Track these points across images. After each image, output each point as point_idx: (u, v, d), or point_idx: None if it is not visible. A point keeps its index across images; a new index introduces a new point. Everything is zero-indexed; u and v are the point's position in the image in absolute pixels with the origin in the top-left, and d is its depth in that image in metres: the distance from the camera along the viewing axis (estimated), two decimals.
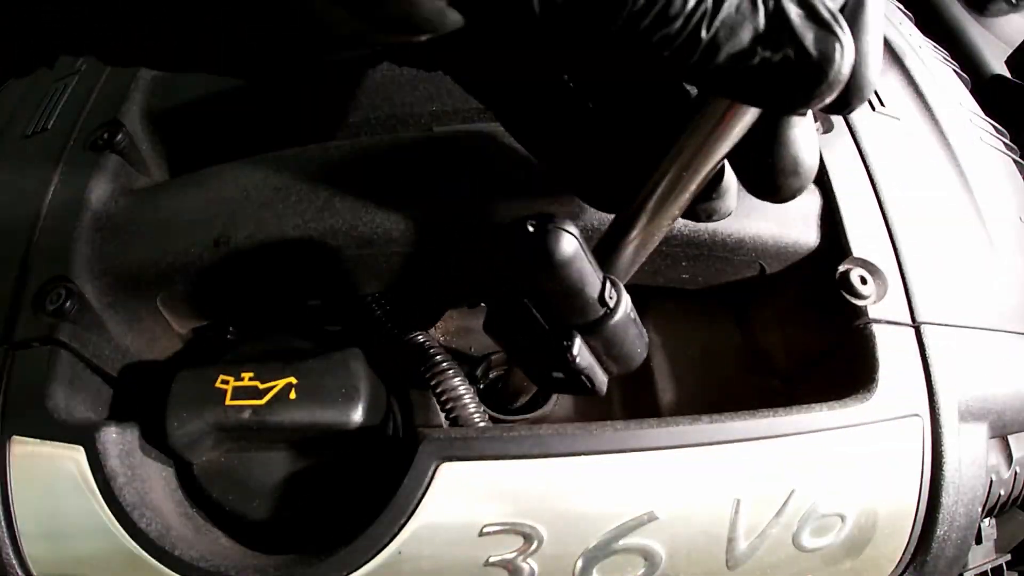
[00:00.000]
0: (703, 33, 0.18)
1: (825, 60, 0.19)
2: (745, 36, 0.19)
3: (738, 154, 0.24)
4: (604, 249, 0.27)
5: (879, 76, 0.22)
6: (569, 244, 0.23)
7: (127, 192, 0.36)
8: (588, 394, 0.27)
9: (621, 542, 0.28)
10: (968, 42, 0.75)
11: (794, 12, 0.19)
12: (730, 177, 0.25)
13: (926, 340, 0.33)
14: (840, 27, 0.19)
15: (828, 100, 0.20)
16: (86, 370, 0.32)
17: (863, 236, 0.35)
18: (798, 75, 0.19)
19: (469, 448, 0.28)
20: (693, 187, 0.25)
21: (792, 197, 0.24)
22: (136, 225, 0.34)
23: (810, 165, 0.23)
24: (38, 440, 0.29)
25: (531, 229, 0.23)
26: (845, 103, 0.21)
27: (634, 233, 0.27)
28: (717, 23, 0.18)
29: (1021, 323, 0.37)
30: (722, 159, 0.24)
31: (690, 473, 0.29)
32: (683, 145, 0.24)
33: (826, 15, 0.19)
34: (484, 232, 0.33)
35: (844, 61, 0.19)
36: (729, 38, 0.19)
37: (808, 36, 0.19)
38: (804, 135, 0.23)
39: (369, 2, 0.18)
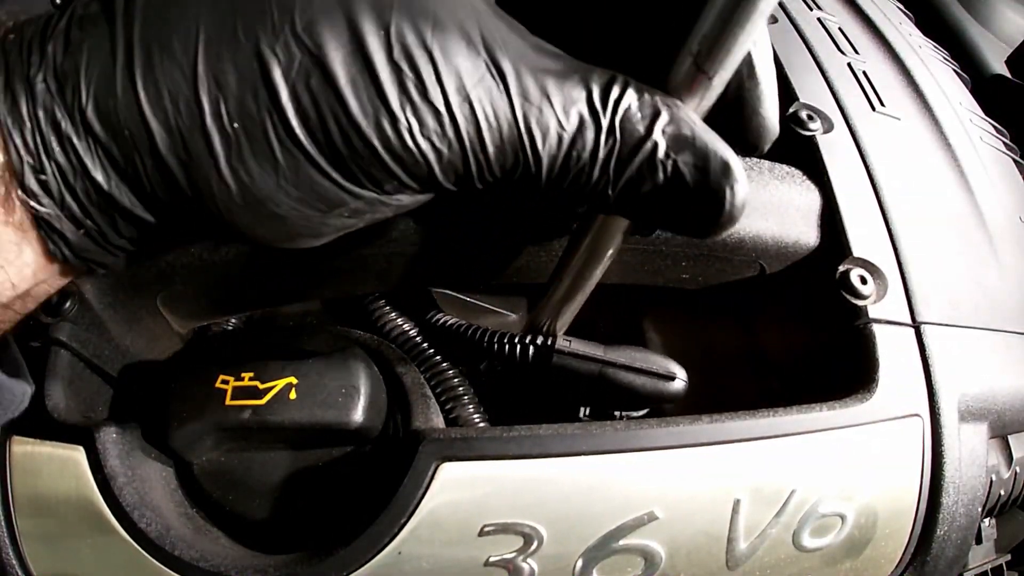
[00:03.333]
0: (610, 192, 0.22)
1: (716, 207, 0.22)
2: (647, 189, 0.22)
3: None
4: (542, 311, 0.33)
5: (777, 119, 0.25)
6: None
7: None
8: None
9: (621, 542, 0.28)
10: (968, 42, 0.75)
11: (687, 169, 0.22)
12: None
13: (926, 340, 0.33)
14: (731, 173, 0.22)
15: (726, 231, 0.23)
16: (86, 370, 0.32)
17: (863, 236, 0.35)
18: (695, 216, 0.23)
19: (469, 448, 0.28)
20: (608, 253, 0.29)
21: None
22: None
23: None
24: (38, 440, 0.29)
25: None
26: (755, 148, 0.25)
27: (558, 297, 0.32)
28: (620, 185, 0.22)
29: (1021, 323, 0.37)
30: (628, 227, 0.28)
31: (690, 473, 0.29)
32: (590, 221, 0.28)
33: (718, 165, 0.22)
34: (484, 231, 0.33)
35: (735, 205, 0.22)
36: (634, 192, 0.22)
37: (701, 187, 0.22)
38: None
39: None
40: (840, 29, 0.50)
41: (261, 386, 0.30)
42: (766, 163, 0.37)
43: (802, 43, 0.46)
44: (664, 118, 0.22)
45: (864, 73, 0.46)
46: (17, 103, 0.19)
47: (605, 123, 0.21)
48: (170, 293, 0.34)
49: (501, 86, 0.20)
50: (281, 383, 0.30)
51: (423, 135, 0.20)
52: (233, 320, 0.40)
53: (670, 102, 0.22)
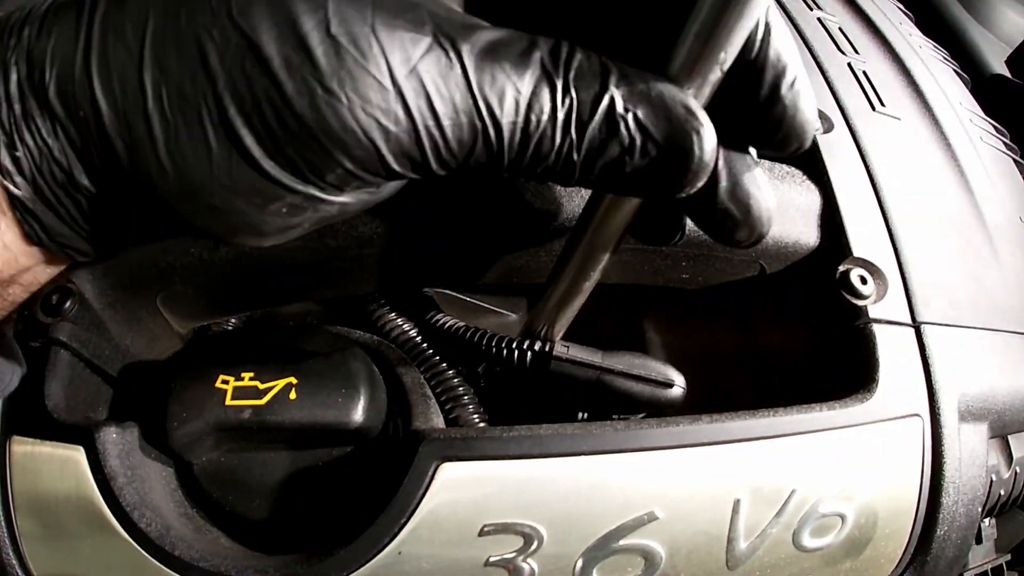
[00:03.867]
0: (575, 157, 0.21)
1: (685, 154, 0.21)
2: (613, 151, 0.21)
3: (693, 208, 0.25)
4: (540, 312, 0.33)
5: (815, 115, 0.23)
6: None
7: None
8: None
9: (621, 542, 0.28)
10: (968, 42, 0.75)
11: (648, 120, 0.21)
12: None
13: (926, 340, 0.33)
14: (694, 119, 0.21)
15: (699, 184, 0.22)
16: (86, 370, 0.32)
17: (863, 236, 0.35)
18: (665, 171, 0.22)
19: (469, 448, 0.28)
20: (603, 258, 0.29)
21: (754, 243, 0.25)
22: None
23: (763, 210, 0.24)
24: (38, 440, 0.29)
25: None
26: (789, 147, 0.23)
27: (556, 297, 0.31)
28: (584, 147, 0.21)
29: (1021, 323, 0.37)
30: (622, 233, 0.28)
31: (690, 473, 0.29)
32: (585, 226, 0.28)
33: (678, 112, 0.21)
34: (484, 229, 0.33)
35: (704, 150, 0.21)
36: (600, 156, 0.21)
37: (664, 137, 0.21)
38: (753, 183, 0.24)
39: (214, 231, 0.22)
40: (840, 29, 0.50)
41: (261, 386, 0.30)
42: (766, 163, 0.37)
43: (802, 43, 0.46)
44: (615, 73, 0.21)
45: (864, 73, 0.46)
46: None
47: (560, 82, 0.20)
48: (170, 293, 0.34)
49: (452, 53, 0.20)
50: (281, 383, 0.30)
51: (366, 112, 0.19)
52: (233, 320, 0.40)
53: (617, 63, 0.21)
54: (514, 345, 0.34)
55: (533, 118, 0.20)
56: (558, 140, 0.21)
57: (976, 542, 0.38)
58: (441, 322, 0.36)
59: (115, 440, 0.29)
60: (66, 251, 0.23)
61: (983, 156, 0.45)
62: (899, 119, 0.44)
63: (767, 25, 0.22)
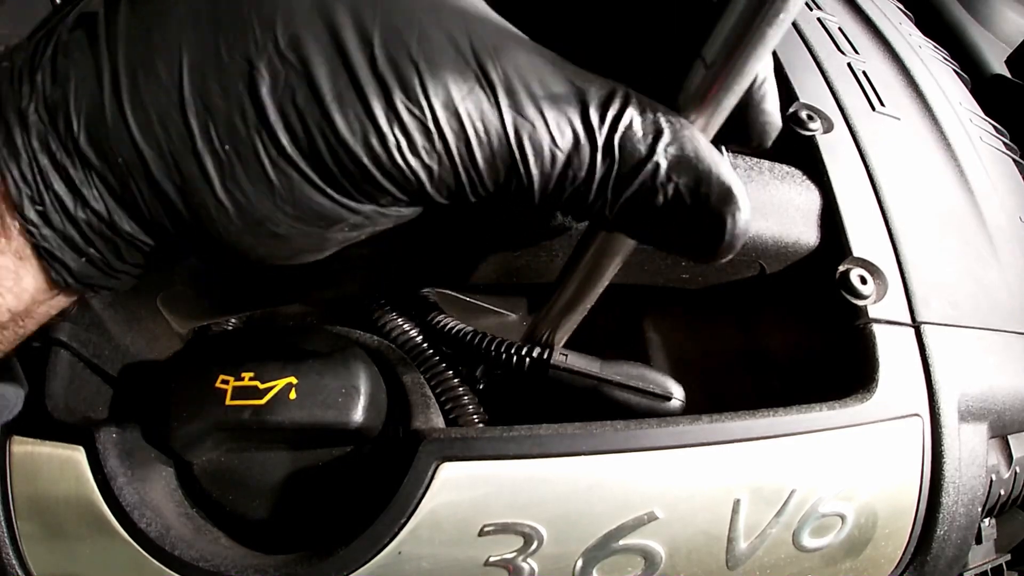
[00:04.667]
0: (607, 213, 0.21)
1: (717, 233, 0.21)
2: (646, 213, 0.21)
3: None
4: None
5: (779, 115, 0.24)
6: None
7: None
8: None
9: (621, 542, 0.28)
10: (968, 42, 0.75)
11: (688, 194, 0.21)
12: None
13: (926, 340, 0.33)
14: (733, 200, 0.21)
15: (724, 259, 0.22)
16: (86, 370, 0.32)
17: (863, 236, 0.35)
18: (695, 241, 0.22)
19: (469, 448, 0.28)
20: (611, 268, 0.29)
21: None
22: None
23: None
24: (38, 440, 0.29)
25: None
26: (751, 144, 0.24)
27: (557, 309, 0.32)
28: (617, 207, 0.21)
29: (1021, 323, 0.37)
30: (632, 244, 0.27)
31: (690, 473, 0.29)
32: (594, 234, 0.28)
33: (722, 190, 0.21)
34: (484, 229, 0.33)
35: (736, 233, 0.21)
36: (632, 215, 0.21)
37: (703, 211, 0.21)
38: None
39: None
40: (840, 29, 0.50)
41: (261, 386, 0.30)
42: (766, 163, 0.37)
43: (802, 43, 0.46)
44: (666, 137, 0.21)
45: (864, 73, 0.46)
46: (11, 135, 0.19)
47: (601, 141, 0.20)
48: (170, 293, 0.34)
49: (491, 99, 0.20)
50: (281, 383, 0.30)
51: (412, 152, 0.20)
52: (233, 320, 0.40)
53: (674, 119, 0.21)
54: (513, 350, 0.34)
55: (570, 173, 0.20)
56: (592, 196, 0.21)
57: (976, 542, 0.38)
58: (442, 323, 0.36)
59: (115, 440, 0.29)
60: (91, 289, 0.22)
61: (983, 156, 0.45)
62: (899, 119, 0.44)
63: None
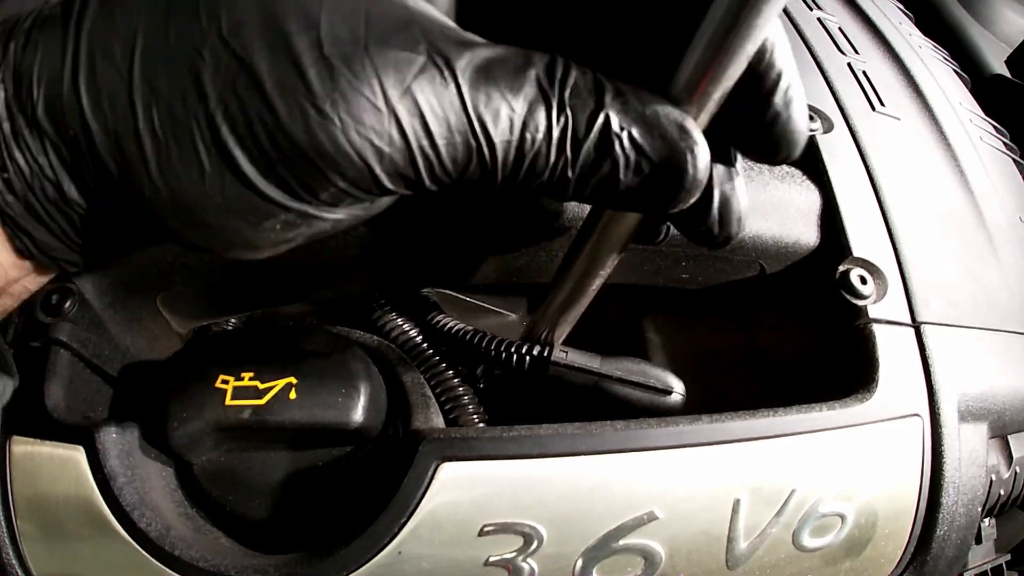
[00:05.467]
0: (569, 174, 0.21)
1: (679, 173, 0.21)
2: (607, 168, 0.21)
3: (679, 216, 0.25)
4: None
5: (806, 122, 0.23)
6: None
7: None
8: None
9: (621, 542, 0.28)
10: (968, 42, 0.75)
11: (643, 139, 0.21)
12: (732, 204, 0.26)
13: (926, 340, 0.33)
14: (688, 137, 0.21)
15: (691, 201, 0.22)
16: (86, 370, 0.32)
17: (863, 236, 0.35)
18: (659, 188, 0.22)
19: (469, 448, 0.28)
20: (607, 264, 0.29)
21: (723, 244, 0.26)
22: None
23: (741, 215, 0.25)
24: (38, 440, 0.29)
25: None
26: (778, 154, 0.24)
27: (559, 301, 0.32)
28: (579, 165, 0.21)
29: (1021, 323, 0.37)
30: (627, 238, 0.28)
31: (690, 473, 0.29)
32: (590, 230, 0.28)
33: (671, 131, 0.21)
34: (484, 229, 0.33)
35: (697, 168, 0.21)
36: (594, 173, 0.21)
37: (659, 156, 0.21)
38: (736, 195, 0.25)
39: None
40: (840, 29, 0.50)
41: (261, 386, 0.30)
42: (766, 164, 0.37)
43: (802, 43, 0.46)
44: (610, 90, 0.21)
45: (864, 73, 0.46)
46: None
47: (555, 100, 0.20)
48: (170, 293, 0.34)
49: (447, 72, 0.20)
50: (281, 383, 0.30)
51: (359, 134, 0.19)
52: (233, 320, 0.40)
53: (612, 80, 0.21)
54: (513, 348, 0.34)
55: (528, 136, 0.20)
56: (552, 158, 0.21)
57: (976, 542, 0.38)
58: (441, 323, 0.37)
59: (115, 440, 0.29)
60: (57, 263, 0.23)
61: (983, 156, 0.45)
62: (899, 119, 0.44)
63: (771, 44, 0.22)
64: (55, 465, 0.28)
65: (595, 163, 0.21)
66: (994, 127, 0.52)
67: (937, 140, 0.44)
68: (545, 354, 0.34)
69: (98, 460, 0.28)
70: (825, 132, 0.39)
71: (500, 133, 0.20)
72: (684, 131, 0.21)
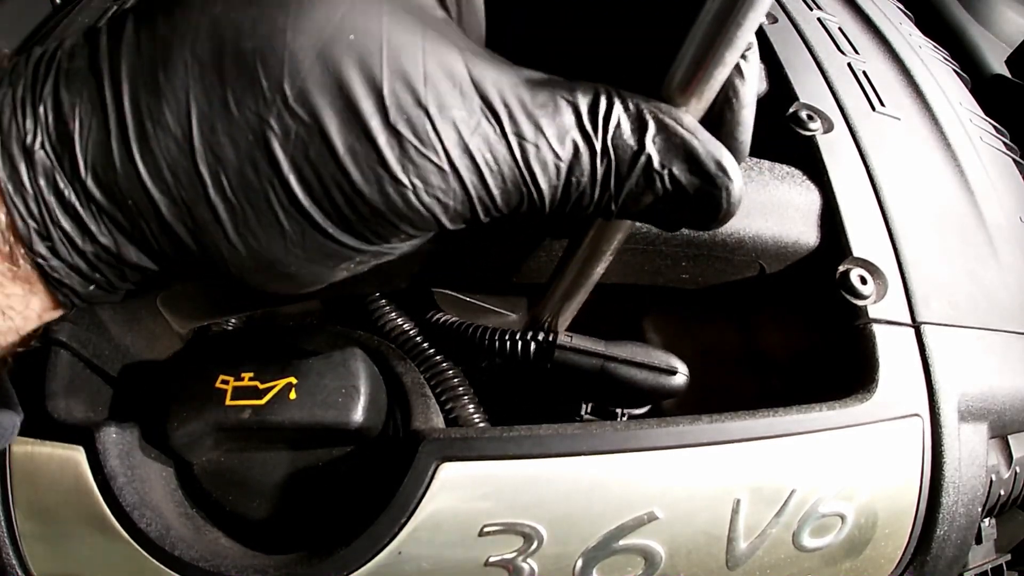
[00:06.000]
0: (612, 207, 0.23)
1: (714, 206, 0.23)
2: (647, 199, 0.22)
3: None
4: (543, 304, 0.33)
5: (748, 146, 0.25)
6: None
7: None
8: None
9: (621, 542, 0.28)
10: (968, 42, 0.75)
11: (682, 175, 0.22)
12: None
13: (926, 340, 0.33)
14: (725, 175, 0.22)
15: (726, 223, 0.24)
16: (86, 370, 0.32)
17: (863, 236, 0.35)
18: (695, 216, 0.23)
19: (469, 448, 0.28)
20: (609, 249, 0.29)
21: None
22: None
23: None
24: (38, 440, 0.29)
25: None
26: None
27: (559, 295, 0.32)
28: (621, 200, 0.22)
29: (1021, 323, 0.37)
30: (629, 225, 0.28)
31: (690, 473, 0.29)
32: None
33: (711, 167, 0.22)
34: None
35: (730, 202, 0.23)
36: (635, 203, 0.23)
37: (696, 190, 0.22)
38: None
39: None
40: (840, 29, 0.50)
41: (261, 386, 0.30)
42: (766, 163, 0.37)
43: (802, 43, 0.46)
44: (652, 128, 0.22)
45: (864, 73, 0.46)
46: (17, 170, 0.19)
47: (599, 145, 0.21)
48: (170, 293, 0.34)
49: (497, 129, 0.20)
50: (281, 383, 0.30)
51: (428, 194, 0.20)
52: (233, 320, 0.40)
53: (654, 108, 0.22)
54: (518, 336, 0.34)
55: (574, 180, 0.22)
56: (596, 196, 0.22)
57: (976, 542, 0.38)
58: (442, 320, 0.37)
59: (115, 440, 0.29)
60: (94, 303, 0.23)
61: (983, 156, 0.45)
62: (899, 119, 0.44)
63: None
64: (55, 465, 0.28)
65: (636, 196, 0.22)
66: (994, 127, 0.52)
67: (937, 140, 0.44)
68: (551, 339, 0.34)
69: (98, 460, 0.28)
70: (825, 132, 0.39)
71: (547, 180, 0.21)
72: (722, 167, 0.22)
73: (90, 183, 0.19)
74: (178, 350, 0.38)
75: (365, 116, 0.19)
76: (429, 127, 0.20)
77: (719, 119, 0.24)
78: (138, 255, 0.21)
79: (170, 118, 0.19)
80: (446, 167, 0.20)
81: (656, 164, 0.22)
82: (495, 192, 0.21)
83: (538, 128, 0.21)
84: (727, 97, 0.23)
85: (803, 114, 0.40)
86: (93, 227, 0.20)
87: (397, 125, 0.19)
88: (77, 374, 0.31)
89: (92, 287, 0.21)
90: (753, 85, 0.24)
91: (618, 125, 0.21)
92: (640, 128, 0.22)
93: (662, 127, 0.22)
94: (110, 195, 0.20)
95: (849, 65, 0.46)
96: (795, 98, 0.41)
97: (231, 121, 0.19)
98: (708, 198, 0.22)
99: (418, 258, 0.34)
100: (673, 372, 0.34)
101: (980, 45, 0.75)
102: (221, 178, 0.19)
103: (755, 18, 0.21)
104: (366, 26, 0.19)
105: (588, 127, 0.21)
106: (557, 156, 0.21)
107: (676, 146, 0.22)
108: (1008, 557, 0.41)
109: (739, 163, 0.25)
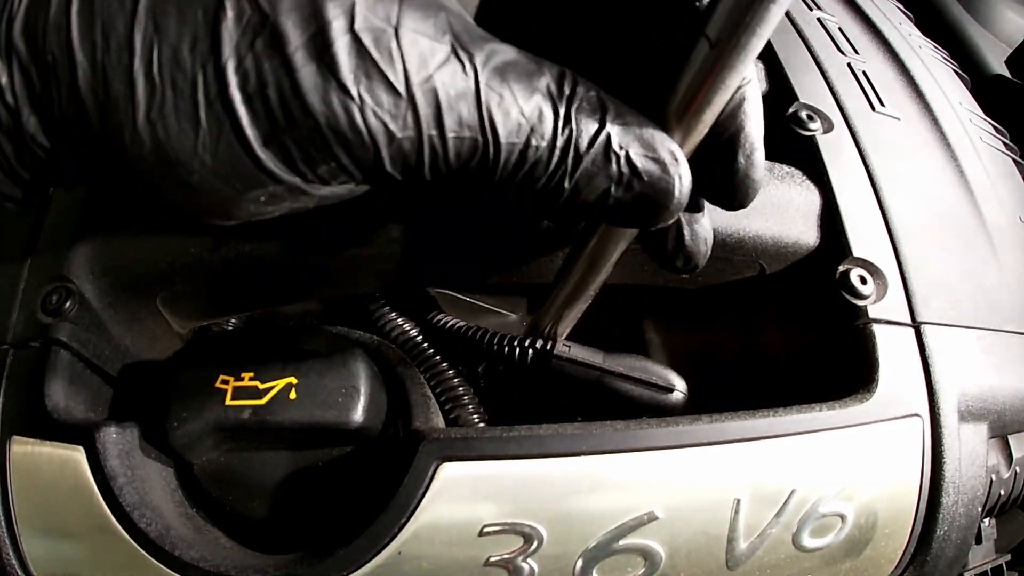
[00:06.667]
0: (565, 184, 0.22)
1: (666, 195, 0.22)
2: (601, 183, 0.22)
3: (649, 237, 0.28)
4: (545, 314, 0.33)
5: (763, 173, 0.25)
6: None
7: None
8: None
9: (621, 542, 0.28)
10: (968, 42, 0.75)
11: (639, 160, 0.22)
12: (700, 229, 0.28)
13: (926, 340, 0.33)
14: (677, 164, 0.22)
15: (669, 221, 0.24)
16: (86, 370, 0.32)
17: (863, 236, 0.35)
18: (644, 207, 0.23)
19: (469, 448, 0.28)
20: (612, 258, 0.29)
21: (688, 270, 0.29)
22: (136, 224, 0.34)
23: (707, 246, 0.28)
24: (38, 440, 0.29)
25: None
26: (736, 203, 0.26)
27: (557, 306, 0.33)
28: (577, 176, 0.22)
29: (1021, 323, 0.37)
30: (633, 234, 0.28)
31: (690, 473, 0.29)
32: (595, 225, 0.28)
33: (665, 156, 0.22)
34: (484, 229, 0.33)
35: (681, 193, 0.23)
36: (588, 185, 0.22)
37: (650, 176, 0.22)
38: (703, 226, 0.28)
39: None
40: (840, 29, 0.50)
41: (261, 386, 0.30)
42: (766, 163, 0.37)
43: (802, 43, 0.46)
44: (613, 110, 0.22)
45: (864, 73, 0.46)
46: None
47: (563, 111, 0.21)
48: (170, 293, 0.34)
49: (468, 67, 0.20)
50: (281, 383, 0.30)
51: (375, 115, 0.19)
52: (233, 320, 0.40)
53: (614, 100, 0.22)
54: (515, 343, 0.34)
55: (533, 142, 0.21)
56: (552, 165, 0.21)
57: (976, 542, 0.38)
58: (442, 321, 0.37)
59: (115, 440, 0.29)
60: None
61: (983, 156, 0.45)
62: (899, 119, 0.44)
63: (743, 95, 0.23)
64: (55, 465, 0.28)
65: (591, 176, 0.22)
66: (994, 127, 0.52)
67: (937, 140, 0.44)
68: (548, 348, 0.34)
69: (98, 460, 0.28)
70: (825, 132, 0.39)
71: (507, 135, 0.20)
72: (675, 157, 0.22)
73: (16, 28, 0.18)
74: (178, 350, 0.38)
75: (327, 16, 0.18)
76: (395, 44, 0.19)
77: (728, 153, 0.24)
78: (36, 128, 0.19)
79: None
80: (402, 89, 0.19)
81: (615, 144, 0.21)
82: (449, 135, 0.20)
83: (505, 79, 0.20)
84: (736, 136, 0.24)
85: (803, 114, 0.40)
86: (3, 79, 0.18)
87: (360, 34, 0.18)
88: (77, 374, 0.31)
89: None
90: (759, 114, 0.24)
91: (582, 101, 0.21)
92: (602, 108, 0.21)
93: (620, 112, 0.22)
94: (32, 46, 0.18)
95: (849, 65, 0.46)
96: (795, 98, 0.41)
97: None
98: (659, 188, 0.22)
99: (418, 256, 0.34)
100: (671, 389, 0.33)
101: (980, 45, 0.75)
102: (153, 51, 0.18)
103: (759, 42, 0.20)
104: None
105: (555, 93, 0.21)
106: (522, 113, 0.20)
107: (634, 132, 0.22)
108: (1008, 557, 0.41)
109: (751, 200, 0.26)
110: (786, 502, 0.29)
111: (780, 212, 0.35)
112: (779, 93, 0.42)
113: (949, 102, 0.48)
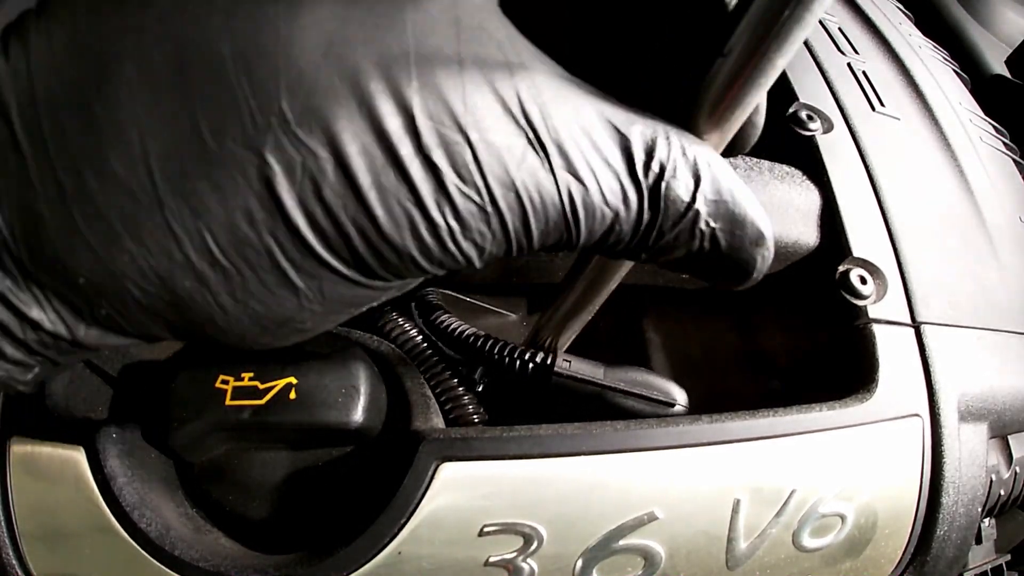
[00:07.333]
0: (643, 256, 0.20)
1: (743, 274, 0.21)
2: (679, 253, 0.20)
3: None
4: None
5: (762, 120, 0.23)
6: None
7: None
8: None
9: (621, 542, 0.28)
10: (968, 42, 0.75)
11: (724, 238, 0.20)
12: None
13: (926, 340, 0.33)
14: (764, 245, 0.21)
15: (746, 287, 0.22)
16: (86, 370, 0.32)
17: (863, 236, 0.35)
18: (717, 273, 0.21)
19: (469, 448, 0.28)
20: (616, 275, 0.29)
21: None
22: None
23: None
24: (38, 440, 0.29)
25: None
26: (742, 148, 0.23)
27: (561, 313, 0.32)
28: (656, 248, 0.20)
29: (1021, 323, 0.37)
30: (622, 273, 0.28)
31: (690, 473, 0.29)
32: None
33: (752, 235, 0.20)
34: None
35: (759, 272, 0.21)
36: (663, 253, 0.20)
37: (732, 255, 0.21)
38: None
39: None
40: (840, 29, 0.50)
41: (261, 386, 0.30)
42: (766, 163, 0.37)
43: (802, 43, 0.46)
44: (705, 182, 0.19)
45: (864, 73, 0.46)
46: None
47: (647, 195, 0.19)
48: None
49: (545, 163, 0.17)
50: (281, 383, 0.30)
51: (466, 237, 0.17)
52: None
53: (709, 159, 0.20)
54: (516, 355, 0.34)
55: (616, 228, 0.19)
56: (633, 243, 0.20)
57: (976, 542, 0.38)
58: (443, 324, 0.36)
59: (115, 440, 0.29)
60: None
61: (983, 156, 0.45)
62: (899, 119, 0.44)
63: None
64: (55, 465, 0.28)
65: (672, 248, 0.20)
66: (994, 127, 0.52)
67: (937, 140, 0.44)
68: (548, 362, 0.34)
69: (98, 460, 0.28)
70: (825, 132, 0.39)
71: (590, 225, 0.19)
72: (761, 237, 0.20)
73: (25, 260, 0.15)
74: (178, 350, 0.38)
75: (394, 140, 0.15)
76: (470, 156, 0.16)
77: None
78: (102, 336, 0.17)
79: (118, 164, 0.14)
80: (488, 207, 0.17)
81: (701, 223, 0.19)
82: (535, 234, 0.18)
83: (589, 166, 0.18)
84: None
85: (803, 114, 0.40)
86: (36, 314, 0.16)
87: (431, 153, 0.16)
88: (77, 374, 0.31)
89: (35, 374, 0.17)
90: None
91: (673, 175, 0.19)
92: (695, 183, 0.19)
93: (714, 183, 0.19)
94: (53, 273, 0.15)
95: (849, 65, 0.46)
96: (795, 98, 0.41)
97: (208, 159, 0.14)
98: (742, 261, 0.21)
99: None
100: (672, 404, 0.33)
101: (980, 45, 0.75)
102: (205, 236, 0.15)
103: (816, 12, 0.19)
104: (388, 18, 0.15)
105: (640, 173, 0.18)
106: (606, 201, 0.18)
107: (724, 204, 0.20)
108: (1008, 557, 0.41)
109: (752, 141, 0.23)
110: (786, 502, 0.29)
111: (780, 212, 0.35)
112: (779, 93, 0.42)
113: (949, 102, 0.48)
